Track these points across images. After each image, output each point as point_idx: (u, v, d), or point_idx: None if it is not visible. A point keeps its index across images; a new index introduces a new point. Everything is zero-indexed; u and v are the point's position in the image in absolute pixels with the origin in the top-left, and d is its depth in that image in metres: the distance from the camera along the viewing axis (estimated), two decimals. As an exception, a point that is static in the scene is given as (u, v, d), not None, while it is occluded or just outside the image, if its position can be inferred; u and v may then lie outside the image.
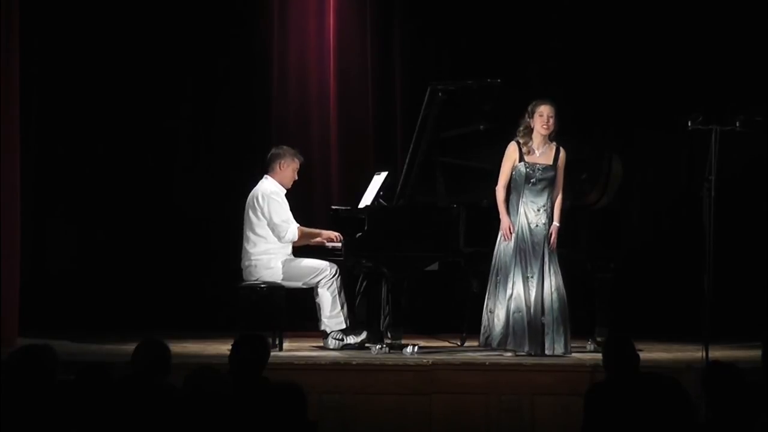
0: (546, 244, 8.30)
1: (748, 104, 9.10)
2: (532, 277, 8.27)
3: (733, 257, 9.80)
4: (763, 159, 10.06)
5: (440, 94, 8.65)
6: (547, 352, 8.21)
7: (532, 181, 8.36)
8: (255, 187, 9.02)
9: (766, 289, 9.71)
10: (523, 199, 8.36)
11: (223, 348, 7.90)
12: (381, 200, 9.01)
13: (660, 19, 10.46)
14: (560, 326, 8.25)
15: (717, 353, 7.79)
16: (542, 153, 8.41)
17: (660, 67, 10.46)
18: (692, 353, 8.44)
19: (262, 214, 8.89)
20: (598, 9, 10.51)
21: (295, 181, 9.08)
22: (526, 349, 8.24)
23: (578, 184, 8.95)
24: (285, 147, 9.12)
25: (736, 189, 9.98)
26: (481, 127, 8.79)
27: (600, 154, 9.03)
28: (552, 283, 8.27)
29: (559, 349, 8.23)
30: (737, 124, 8.13)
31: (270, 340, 8.64)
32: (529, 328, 8.23)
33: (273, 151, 9.10)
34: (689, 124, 8.16)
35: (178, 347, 8.03)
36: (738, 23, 10.34)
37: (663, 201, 10.59)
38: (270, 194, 8.90)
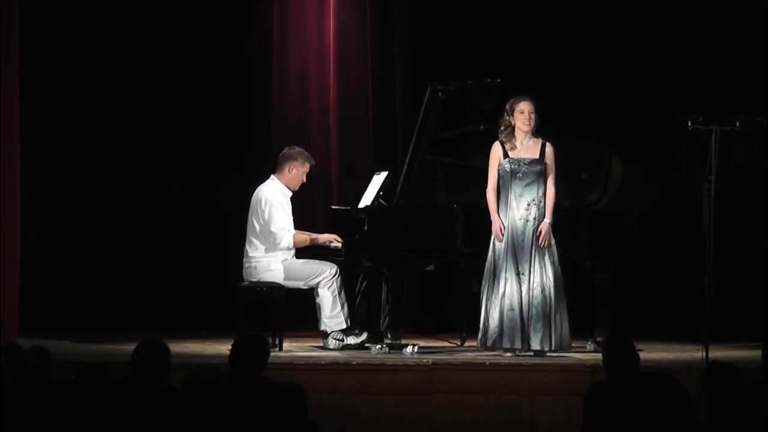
0: (534, 241, 8.30)
1: (748, 104, 9.10)
2: (524, 274, 8.27)
3: (733, 257, 9.79)
4: (763, 159, 10.06)
5: (440, 94, 8.65)
6: (531, 346, 8.23)
7: (518, 176, 8.36)
8: (259, 188, 8.99)
9: (766, 289, 9.71)
10: (512, 196, 8.36)
11: (223, 348, 7.90)
12: (381, 200, 9.00)
13: (660, 18, 10.46)
14: (537, 323, 8.24)
15: (717, 353, 7.78)
16: (526, 148, 8.40)
17: (660, 67, 10.46)
18: (692, 353, 8.44)
19: (262, 218, 8.87)
20: (598, 9, 10.51)
21: (303, 184, 9.06)
22: (518, 346, 8.24)
23: (578, 184, 8.95)
24: (297, 149, 9.06)
25: (736, 189, 9.99)
26: (481, 127, 8.79)
27: (600, 154, 9.03)
28: (535, 279, 8.26)
29: (536, 345, 8.22)
30: (737, 124, 8.13)
31: (270, 340, 8.67)
32: (522, 325, 8.24)
33: (285, 151, 9.05)
34: (689, 124, 8.16)
35: (178, 347, 8.02)
36: (738, 23, 10.34)
37: (663, 201, 10.59)
38: (273, 200, 8.86)
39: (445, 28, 10.62)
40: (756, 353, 7.06)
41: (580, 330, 8.65)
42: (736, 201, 9.97)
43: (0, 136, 8.99)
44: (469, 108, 8.80)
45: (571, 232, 8.59)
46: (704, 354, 7.84)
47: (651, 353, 8.45)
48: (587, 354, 8.49)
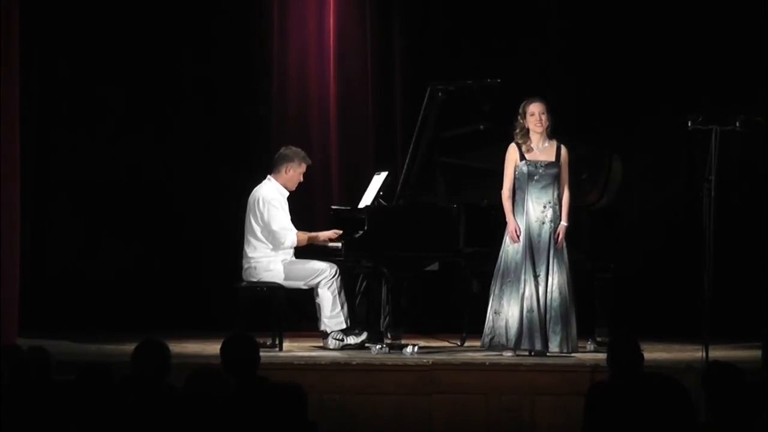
0: (551, 242, 8.30)
1: (748, 104, 9.09)
2: (539, 275, 8.27)
3: (733, 257, 9.79)
4: (763, 159, 10.06)
5: (440, 94, 8.65)
6: (550, 348, 8.24)
7: (535, 178, 8.35)
8: (256, 188, 8.99)
9: (766, 289, 9.70)
10: (528, 198, 8.35)
11: (223, 348, 7.88)
12: (381, 200, 9.00)
13: (661, 18, 10.46)
14: (557, 324, 8.25)
15: (717, 353, 7.78)
16: (542, 150, 8.40)
17: (660, 67, 10.46)
18: (692, 353, 8.43)
19: (261, 219, 8.87)
20: (598, 8, 10.52)
21: (300, 184, 9.06)
22: (539, 347, 8.24)
23: (578, 184, 8.94)
24: (293, 149, 9.05)
25: (736, 189, 9.99)
26: (481, 127, 8.80)
27: (600, 154, 9.03)
28: (554, 281, 8.27)
29: (554, 347, 8.23)
30: (737, 124, 8.12)
31: (270, 340, 8.68)
32: (541, 326, 8.23)
33: (281, 151, 9.04)
34: (689, 124, 8.16)
35: (178, 347, 8.04)
36: (738, 23, 10.34)
37: (663, 201, 10.59)
38: (270, 200, 8.86)
39: (445, 28, 10.62)
40: (756, 353, 7.08)
41: (580, 330, 8.63)
42: (736, 201, 9.96)
43: (0, 136, 8.99)
44: (469, 108, 8.80)
45: (572, 232, 8.58)
46: (704, 354, 7.84)
47: (651, 353, 8.42)
48: (587, 354, 8.49)
